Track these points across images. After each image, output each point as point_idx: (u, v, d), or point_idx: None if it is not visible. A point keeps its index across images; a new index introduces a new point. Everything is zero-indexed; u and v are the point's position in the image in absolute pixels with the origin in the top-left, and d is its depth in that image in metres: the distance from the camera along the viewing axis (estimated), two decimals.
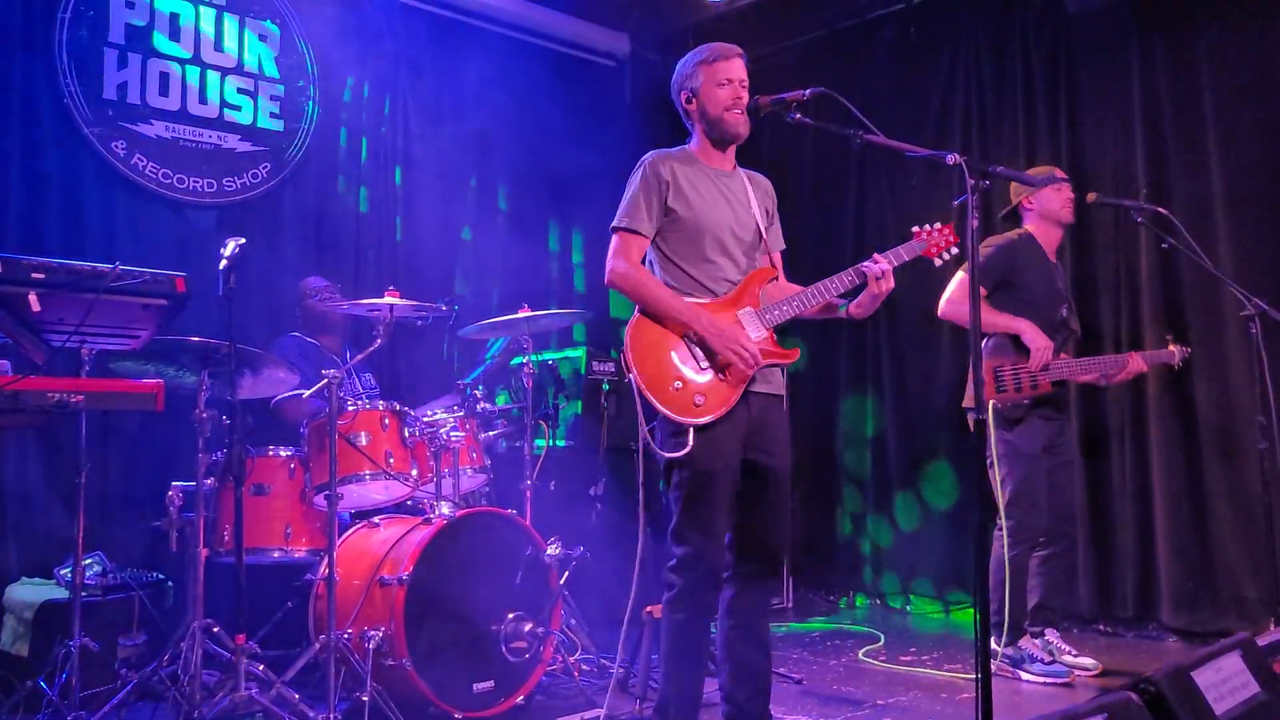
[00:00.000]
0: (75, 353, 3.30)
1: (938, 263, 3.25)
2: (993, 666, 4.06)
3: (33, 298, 2.73)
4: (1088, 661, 4.36)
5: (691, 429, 2.90)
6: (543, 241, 5.93)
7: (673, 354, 2.97)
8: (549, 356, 5.57)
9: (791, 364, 3.18)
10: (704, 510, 2.93)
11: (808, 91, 2.93)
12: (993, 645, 4.29)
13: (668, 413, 2.91)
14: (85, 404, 2.97)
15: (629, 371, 2.94)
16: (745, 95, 3.13)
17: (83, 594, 3.78)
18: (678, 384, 2.94)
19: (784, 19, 6.31)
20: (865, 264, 3.09)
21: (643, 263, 3.11)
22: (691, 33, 6.52)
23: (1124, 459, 5.28)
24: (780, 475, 3.10)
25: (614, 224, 3.10)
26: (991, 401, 4.25)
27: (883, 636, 5.19)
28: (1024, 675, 4.24)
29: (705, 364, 2.98)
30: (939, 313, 4.51)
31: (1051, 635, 4.38)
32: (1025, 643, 4.31)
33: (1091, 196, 4.40)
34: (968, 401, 4.36)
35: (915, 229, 3.23)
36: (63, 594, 4.09)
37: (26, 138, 4.67)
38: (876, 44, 6.17)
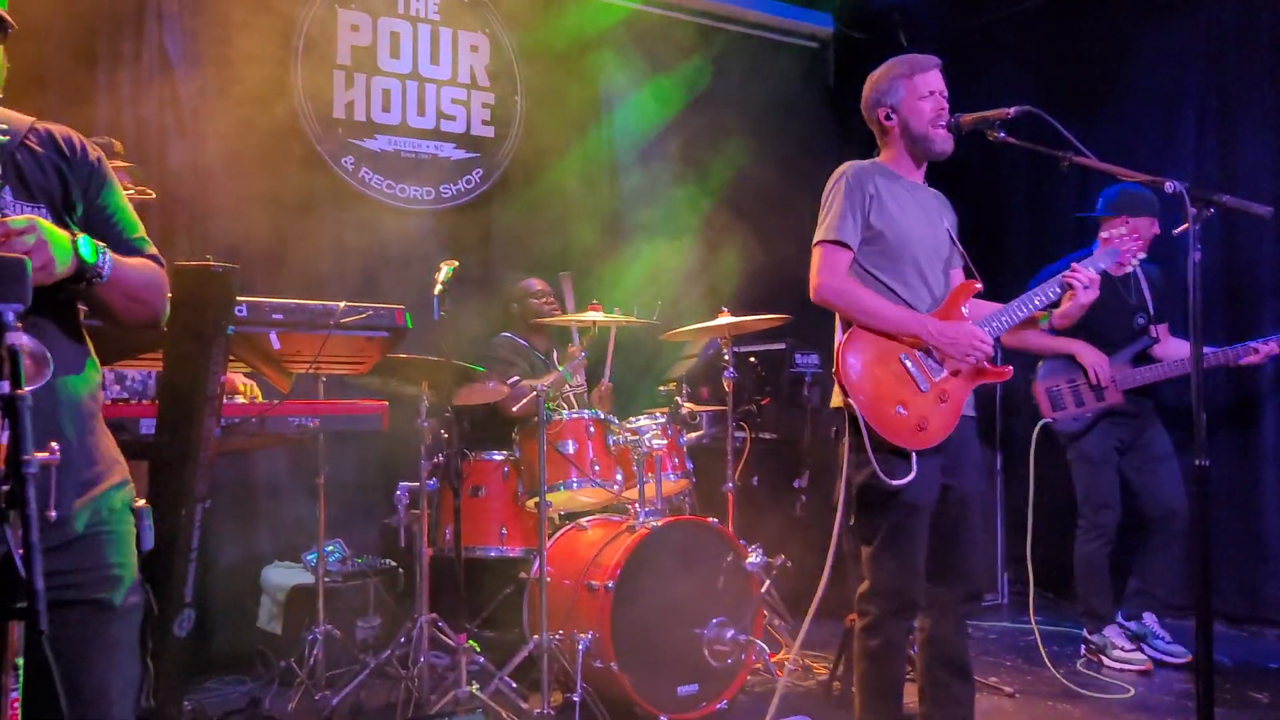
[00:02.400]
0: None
1: (1128, 268, 3.17)
2: (1080, 651, 4.67)
3: (273, 336, 3.01)
4: (1178, 649, 4.58)
5: (914, 456, 2.85)
6: (745, 234, 5.94)
7: (893, 375, 2.91)
8: (751, 350, 5.60)
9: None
10: (905, 540, 2.90)
11: (1012, 110, 2.81)
12: (1084, 633, 4.71)
13: (891, 439, 2.84)
14: (320, 426, 3.27)
15: (845, 396, 2.87)
16: (947, 107, 3.03)
17: (325, 579, 4.18)
18: (900, 409, 2.88)
19: None
20: (1067, 274, 3.02)
21: None
22: (897, 9, 6.32)
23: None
24: (973, 499, 3.04)
25: (818, 237, 3.01)
26: (1043, 421, 4.61)
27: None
28: (1105, 660, 4.57)
29: (927, 384, 2.92)
30: None
31: (1149, 620, 4.67)
32: (1110, 630, 4.61)
33: None
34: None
35: (1103, 236, 3.15)
36: (309, 578, 4.50)
37: (267, 158, 5.07)
38: (1104, 9, 5.76)
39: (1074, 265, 3.07)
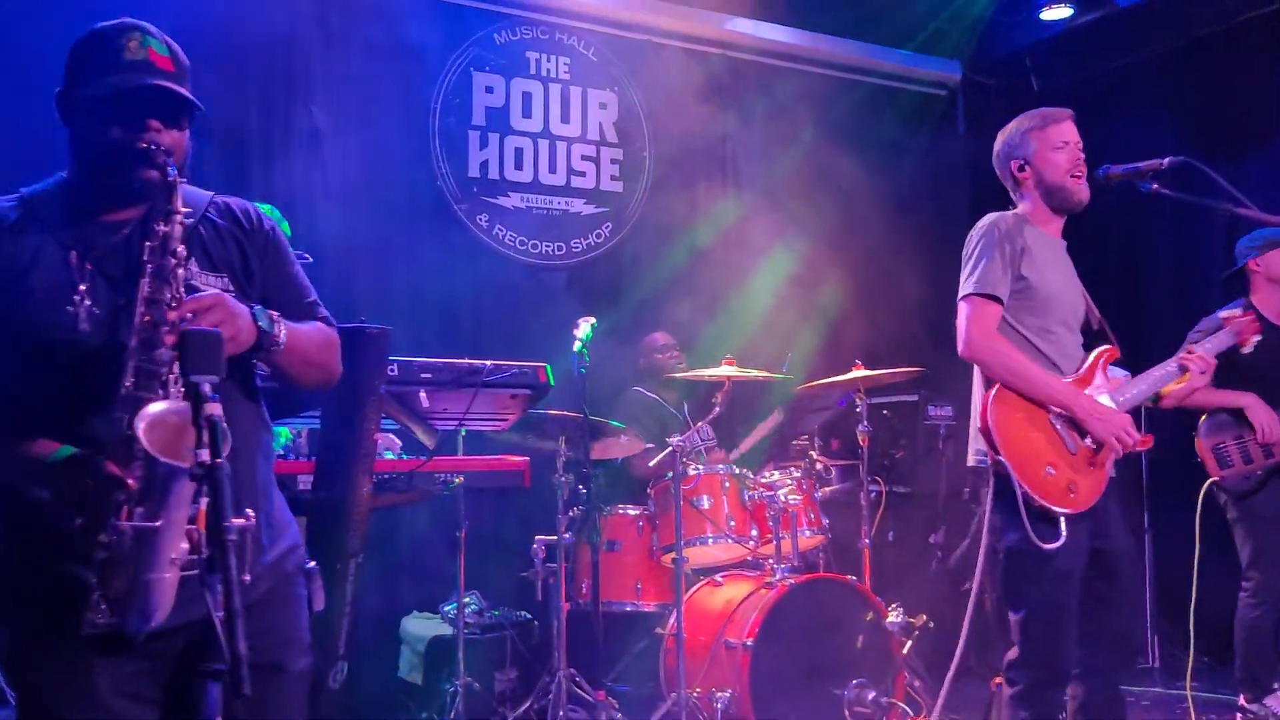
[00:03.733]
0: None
1: (1246, 349, 3.06)
2: None
3: (423, 395, 3.11)
4: None
5: (1063, 519, 2.76)
6: (874, 284, 5.88)
7: (1043, 435, 2.84)
8: (883, 402, 5.51)
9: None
10: (1056, 608, 2.80)
11: (1165, 160, 2.73)
12: (1240, 701, 4.34)
13: (1042, 500, 2.76)
14: (465, 481, 3.36)
15: (995, 453, 2.80)
16: (1083, 157, 2.97)
17: (464, 631, 4.24)
18: (1050, 469, 2.80)
19: (1134, 31, 5.85)
20: (1184, 357, 2.98)
21: None
22: (1028, 54, 6.23)
23: None
24: (1124, 556, 2.95)
25: (967, 289, 2.93)
26: (1210, 480, 4.24)
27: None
28: None
29: (1075, 448, 2.85)
30: None
31: None
32: (1272, 700, 4.25)
33: None
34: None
35: (1223, 315, 3.05)
36: (447, 629, 4.57)
37: (408, 218, 5.27)
38: (1243, 52, 5.56)
39: (1189, 347, 3.04)
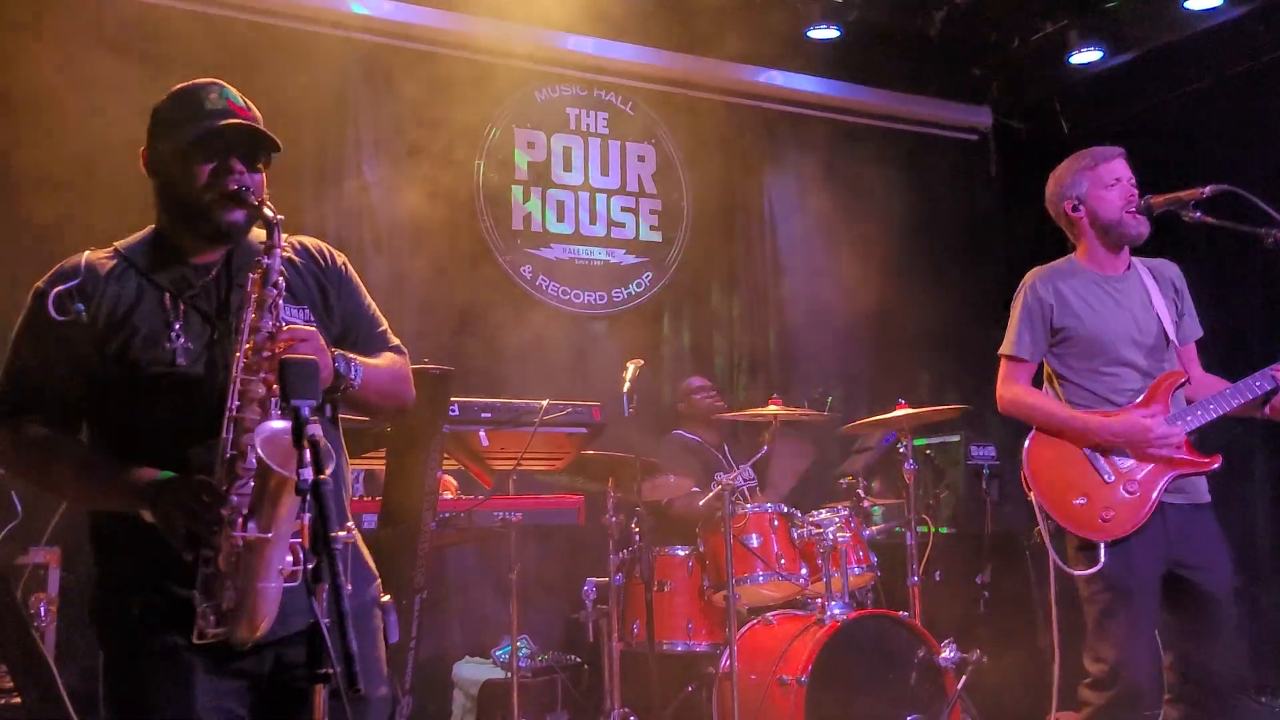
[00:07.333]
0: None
1: None
2: None
3: (482, 434, 3.19)
4: None
5: (1103, 545, 2.85)
6: (912, 327, 5.94)
7: (1074, 467, 2.96)
8: (926, 443, 5.53)
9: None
10: (1120, 628, 2.85)
11: (1207, 189, 2.80)
12: None
13: (1074, 530, 2.91)
14: (523, 520, 3.42)
15: (1028, 491, 2.99)
16: (1136, 193, 3.04)
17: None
18: (1081, 500, 2.92)
19: (1161, 72, 5.93)
20: (1276, 368, 2.96)
21: (1039, 383, 3.13)
22: (1058, 98, 6.32)
23: None
24: (1216, 594, 2.93)
25: (1001, 351, 3.16)
26: None
27: None
28: None
29: (1111, 474, 2.92)
30: None
31: None
32: None
33: None
34: None
35: None
36: (499, 673, 4.60)
37: (453, 269, 5.39)
38: (1271, 89, 5.63)
39: None
